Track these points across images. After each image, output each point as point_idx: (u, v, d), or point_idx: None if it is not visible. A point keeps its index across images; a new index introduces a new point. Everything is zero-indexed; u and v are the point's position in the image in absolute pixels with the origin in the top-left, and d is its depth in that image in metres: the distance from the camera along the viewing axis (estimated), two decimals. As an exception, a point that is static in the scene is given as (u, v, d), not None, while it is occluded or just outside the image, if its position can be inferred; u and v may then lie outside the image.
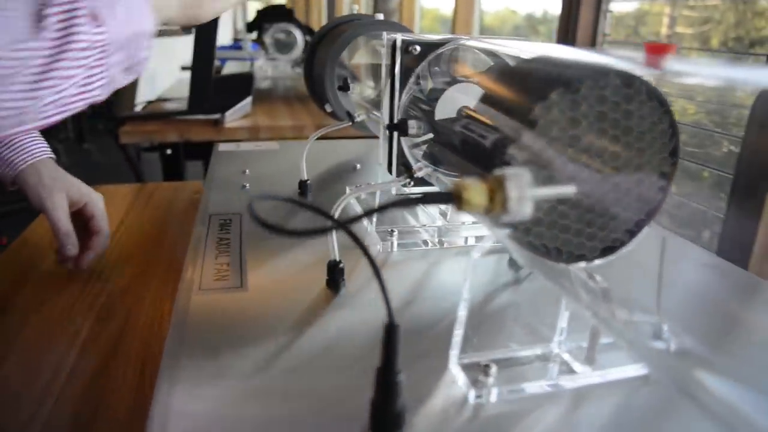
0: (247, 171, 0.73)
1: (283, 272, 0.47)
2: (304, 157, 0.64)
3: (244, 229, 0.56)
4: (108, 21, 0.32)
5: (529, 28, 2.23)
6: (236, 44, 2.57)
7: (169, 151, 1.28)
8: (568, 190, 0.27)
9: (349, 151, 0.87)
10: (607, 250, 0.34)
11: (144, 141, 1.26)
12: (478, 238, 0.54)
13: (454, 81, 0.46)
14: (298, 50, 1.67)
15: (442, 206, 0.55)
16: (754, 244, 0.64)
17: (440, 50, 0.44)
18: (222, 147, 0.85)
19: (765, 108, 0.64)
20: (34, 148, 0.61)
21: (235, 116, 1.33)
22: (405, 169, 0.44)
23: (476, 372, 0.34)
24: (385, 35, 0.47)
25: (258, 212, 0.26)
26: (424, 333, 0.39)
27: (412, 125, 0.42)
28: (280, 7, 1.90)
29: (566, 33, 1.78)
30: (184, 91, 1.64)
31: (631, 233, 0.34)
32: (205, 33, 1.24)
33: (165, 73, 2.32)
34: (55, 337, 0.52)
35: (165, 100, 1.50)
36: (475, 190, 0.25)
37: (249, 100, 1.38)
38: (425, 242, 0.52)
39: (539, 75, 0.30)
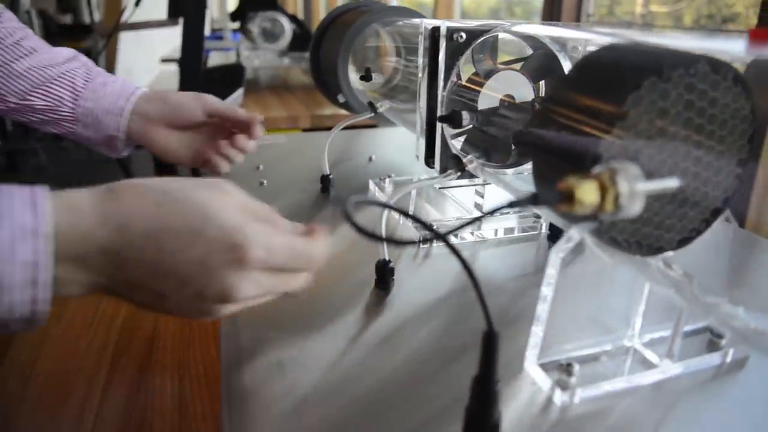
0: (260, 167, 0.71)
1: (326, 272, 0.45)
2: (326, 151, 0.62)
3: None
4: None
5: (506, 10, 2.22)
6: (215, 35, 2.50)
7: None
8: (671, 183, 0.26)
9: (360, 142, 0.85)
10: (684, 241, 0.33)
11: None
12: (507, 230, 0.53)
13: (495, 69, 0.45)
14: (285, 39, 1.63)
15: (479, 199, 0.54)
16: (746, 214, 0.65)
17: (486, 36, 0.42)
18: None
19: None
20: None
21: (227, 109, 1.29)
22: (454, 161, 0.42)
23: (556, 372, 0.32)
24: (423, 23, 0.45)
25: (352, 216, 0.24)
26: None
27: (466, 117, 0.40)
28: (263, -5, 1.84)
29: (551, 14, 1.78)
30: (169, 84, 1.59)
31: (707, 222, 0.33)
32: (193, 24, 1.19)
33: (143, 67, 2.24)
34: (80, 352, 0.49)
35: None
36: (588, 188, 0.24)
37: (240, 91, 1.34)
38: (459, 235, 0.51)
39: (627, 64, 0.29)
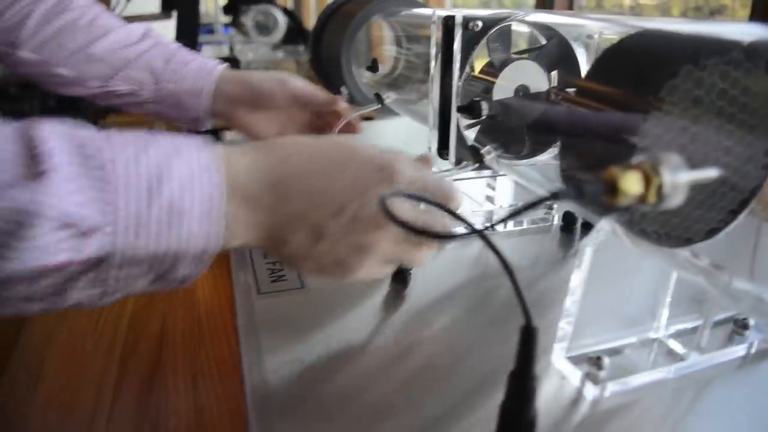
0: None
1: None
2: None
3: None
4: (118, 237, 0.24)
5: (497, 1, 2.21)
6: (207, 28, 2.47)
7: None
8: (711, 173, 0.26)
9: (360, 135, 0.83)
10: (712, 232, 0.33)
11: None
12: (518, 222, 0.53)
13: (509, 59, 0.44)
14: (280, 32, 1.61)
15: (491, 191, 0.53)
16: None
17: (502, 25, 0.42)
18: (230, 136, 0.80)
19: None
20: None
21: (222, 103, 1.28)
22: (472, 153, 0.41)
23: (585, 365, 0.32)
24: (435, 12, 0.44)
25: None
26: (503, 324, 0.38)
27: (485, 107, 0.39)
28: (255, -13, 1.82)
29: (543, 5, 1.77)
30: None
31: (735, 213, 0.33)
32: (187, 17, 1.18)
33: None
34: (87, 353, 0.48)
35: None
36: (631, 178, 0.23)
37: (235, 85, 1.33)
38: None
39: (661, 52, 0.28)
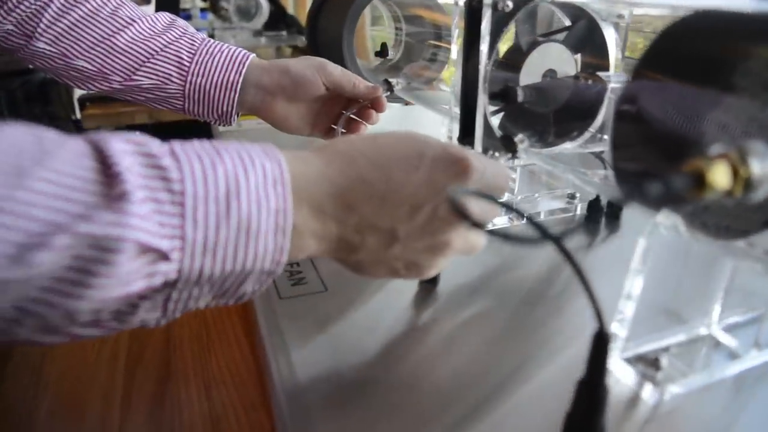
0: (263, 152, 0.66)
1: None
2: (339, 133, 0.58)
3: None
4: (185, 260, 0.23)
5: None
6: (183, 14, 2.39)
7: (137, 134, 1.16)
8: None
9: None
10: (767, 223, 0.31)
11: (110, 124, 1.14)
12: (550, 212, 0.51)
13: (537, 41, 0.41)
14: (262, 17, 1.55)
15: (511, 182, 0.51)
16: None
17: (532, 4, 0.39)
18: (222, 127, 0.77)
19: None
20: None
21: (207, 92, 1.23)
22: (504, 143, 0.39)
23: (641, 366, 0.30)
24: (459, -8, 0.41)
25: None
26: (542, 324, 0.36)
27: (520, 93, 0.37)
28: (235, -29, 1.75)
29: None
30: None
31: (791, 202, 0.31)
32: (167, 3, 1.12)
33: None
34: (89, 365, 0.45)
35: (125, 77, 1.37)
36: (719, 170, 0.21)
37: (220, 73, 1.28)
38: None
39: (731, 33, 0.26)
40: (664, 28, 0.27)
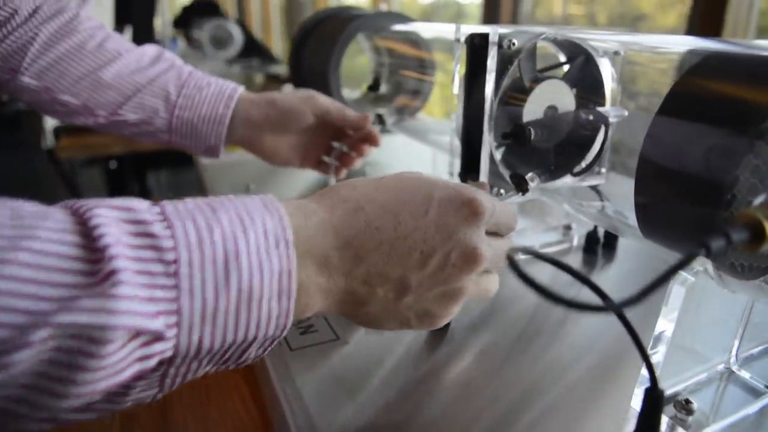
0: (251, 186, 0.65)
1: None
2: (333, 168, 0.57)
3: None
4: (182, 335, 0.21)
5: (433, 14, 2.25)
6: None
7: (113, 165, 1.13)
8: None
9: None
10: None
11: (85, 155, 1.10)
12: (547, 244, 0.51)
13: (540, 78, 0.42)
14: (236, 46, 1.55)
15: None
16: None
17: (535, 42, 0.39)
18: (205, 159, 0.75)
19: None
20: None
21: (182, 122, 1.20)
22: (515, 181, 0.38)
23: (674, 409, 0.30)
24: (460, 29, 0.41)
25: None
26: (553, 361, 0.35)
27: (532, 132, 0.37)
28: (207, 2, 1.75)
29: (490, 17, 1.80)
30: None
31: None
32: (142, 31, 1.10)
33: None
34: (81, 426, 0.42)
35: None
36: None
37: (195, 103, 1.26)
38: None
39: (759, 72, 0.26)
40: (688, 68, 0.27)
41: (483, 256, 0.27)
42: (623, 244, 0.51)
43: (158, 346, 0.21)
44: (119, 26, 1.07)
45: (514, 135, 0.37)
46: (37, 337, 0.18)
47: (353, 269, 0.26)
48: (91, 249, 0.20)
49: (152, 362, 0.21)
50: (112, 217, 0.21)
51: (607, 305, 0.21)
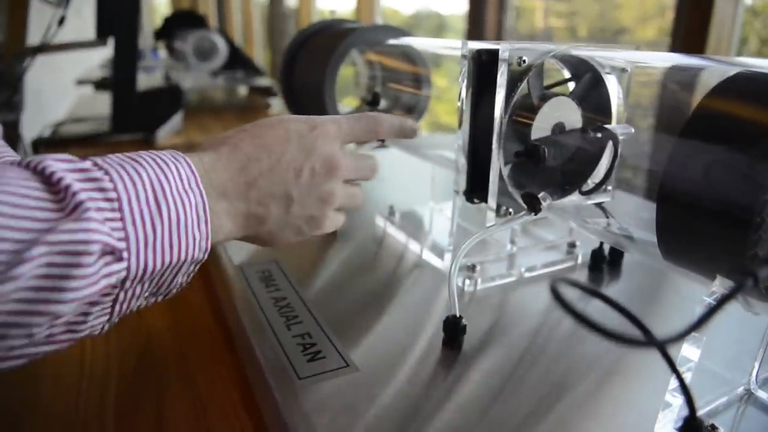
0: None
1: (383, 336, 0.39)
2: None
3: (291, 279, 0.46)
4: (131, 258, 0.26)
5: (416, 26, 2.26)
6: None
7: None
8: None
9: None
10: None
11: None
12: (551, 263, 0.50)
13: (547, 95, 0.41)
14: (220, 58, 1.52)
15: (515, 237, 0.50)
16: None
17: (546, 58, 0.39)
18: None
19: None
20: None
21: (166, 134, 1.18)
22: (527, 200, 0.38)
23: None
24: (467, 45, 0.41)
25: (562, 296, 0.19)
26: (566, 381, 0.34)
27: (547, 152, 0.36)
28: (190, 13, 1.72)
29: (475, 29, 1.81)
30: (96, 109, 1.44)
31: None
32: (125, 44, 1.08)
33: (56, 90, 2.03)
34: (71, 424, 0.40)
35: (77, 120, 1.29)
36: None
37: (180, 115, 1.23)
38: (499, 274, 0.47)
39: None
40: (714, 87, 0.27)
41: (340, 162, 0.36)
42: (628, 260, 0.51)
43: (116, 266, 0.25)
44: (101, 38, 1.04)
45: (528, 154, 0.36)
46: (34, 252, 0.22)
47: (247, 193, 0.32)
48: (55, 191, 0.25)
49: (113, 279, 0.25)
50: (62, 168, 0.25)
51: (650, 340, 0.20)
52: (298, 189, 0.34)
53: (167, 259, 0.28)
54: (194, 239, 0.29)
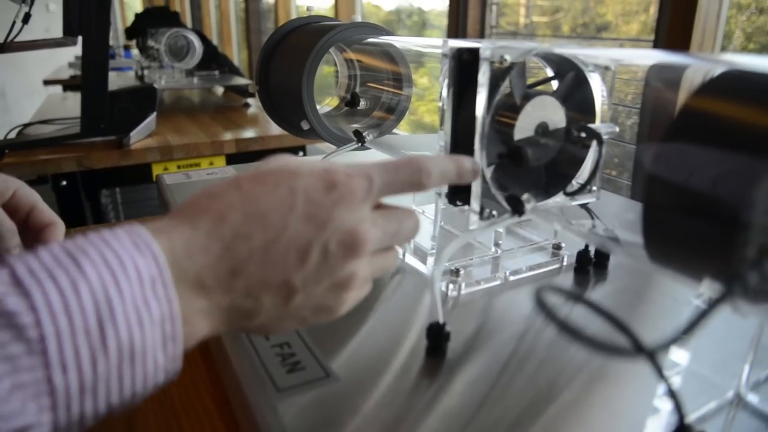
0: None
1: (364, 345, 0.38)
2: None
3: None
4: (59, 410, 0.20)
5: (397, 22, 2.25)
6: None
7: (64, 183, 1.06)
8: None
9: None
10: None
11: (33, 173, 1.03)
12: (537, 266, 0.49)
13: (531, 94, 0.40)
14: (196, 57, 1.49)
15: (500, 239, 0.49)
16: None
17: (528, 56, 0.38)
18: (169, 179, 0.70)
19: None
20: None
21: (140, 136, 1.15)
22: (511, 203, 0.37)
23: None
24: (447, 43, 0.39)
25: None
26: (551, 387, 0.33)
27: (530, 153, 0.35)
28: (163, 10, 1.68)
29: (456, 26, 1.81)
30: (66, 111, 1.40)
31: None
32: (95, 43, 1.04)
33: (22, 91, 1.97)
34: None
35: (45, 122, 1.25)
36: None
37: (153, 116, 1.20)
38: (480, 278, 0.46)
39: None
40: (699, 86, 0.26)
41: (365, 238, 0.26)
42: (614, 262, 0.50)
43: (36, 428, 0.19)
44: (69, 37, 1.01)
45: (511, 155, 0.35)
46: None
47: (232, 284, 0.24)
48: None
49: None
50: None
51: (639, 349, 0.19)
52: (302, 276, 0.25)
53: (115, 400, 0.21)
54: (155, 366, 0.22)
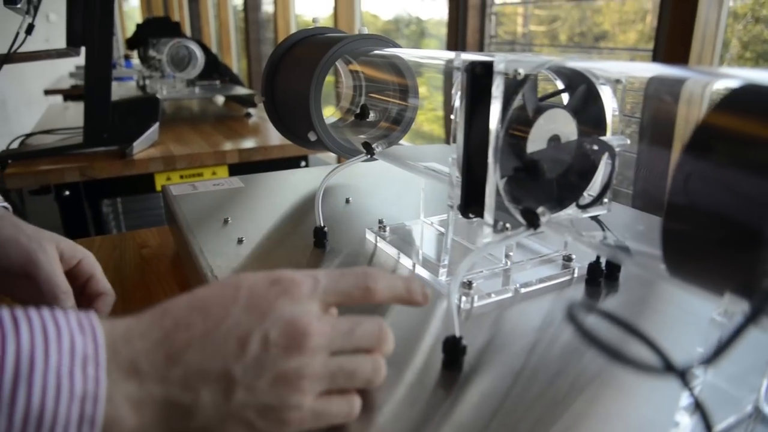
0: (229, 219, 0.61)
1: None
2: (319, 201, 0.54)
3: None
4: None
5: (395, 31, 2.27)
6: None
7: (66, 193, 1.06)
8: None
9: (311, 182, 0.77)
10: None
11: (36, 183, 1.03)
12: (548, 278, 0.49)
13: (543, 107, 0.40)
14: (198, 67, 1.49)
15: (510, 251, 0.49)
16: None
17: (541, 69, 0.38)
18: (175, 190, 0.70)
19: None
20: None
21: (143, 146, 1.15)
22: (526, 216, 0.37)
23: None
24: (461, 56, 0.40)
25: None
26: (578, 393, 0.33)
27: (546, 167, 0.35)
28: (164, 20, 1.69)
29: (455, 36, 1.82)
30: (68, 121, 1.40)
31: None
32: (98, 53, 1.04)
33: (23, 101, 1.97)
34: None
35: (47, 132, 1.25)
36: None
37: (156, 126, 1.20)
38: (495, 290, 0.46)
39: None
40: (721, 100, 0.26)
41: (308, 330, 0.25)
42: (625, 274, 0.50)
43: None
44: (73, 48, 1.01)
45: (527, 168, 0.35)
46: None
47: (168, 371, 0.24)
48: None
49: None
50: None
51: (670, 368, 0.19)
52: (242, 366, 0.24)
53: None
54: None
